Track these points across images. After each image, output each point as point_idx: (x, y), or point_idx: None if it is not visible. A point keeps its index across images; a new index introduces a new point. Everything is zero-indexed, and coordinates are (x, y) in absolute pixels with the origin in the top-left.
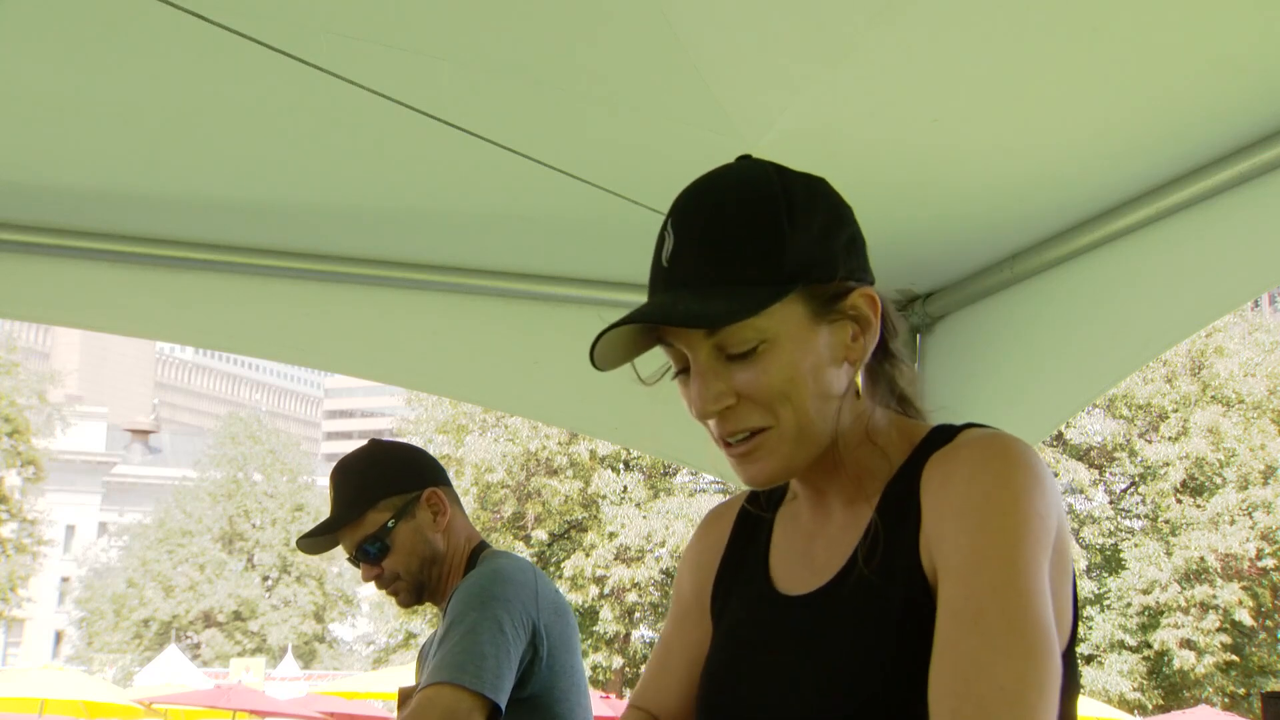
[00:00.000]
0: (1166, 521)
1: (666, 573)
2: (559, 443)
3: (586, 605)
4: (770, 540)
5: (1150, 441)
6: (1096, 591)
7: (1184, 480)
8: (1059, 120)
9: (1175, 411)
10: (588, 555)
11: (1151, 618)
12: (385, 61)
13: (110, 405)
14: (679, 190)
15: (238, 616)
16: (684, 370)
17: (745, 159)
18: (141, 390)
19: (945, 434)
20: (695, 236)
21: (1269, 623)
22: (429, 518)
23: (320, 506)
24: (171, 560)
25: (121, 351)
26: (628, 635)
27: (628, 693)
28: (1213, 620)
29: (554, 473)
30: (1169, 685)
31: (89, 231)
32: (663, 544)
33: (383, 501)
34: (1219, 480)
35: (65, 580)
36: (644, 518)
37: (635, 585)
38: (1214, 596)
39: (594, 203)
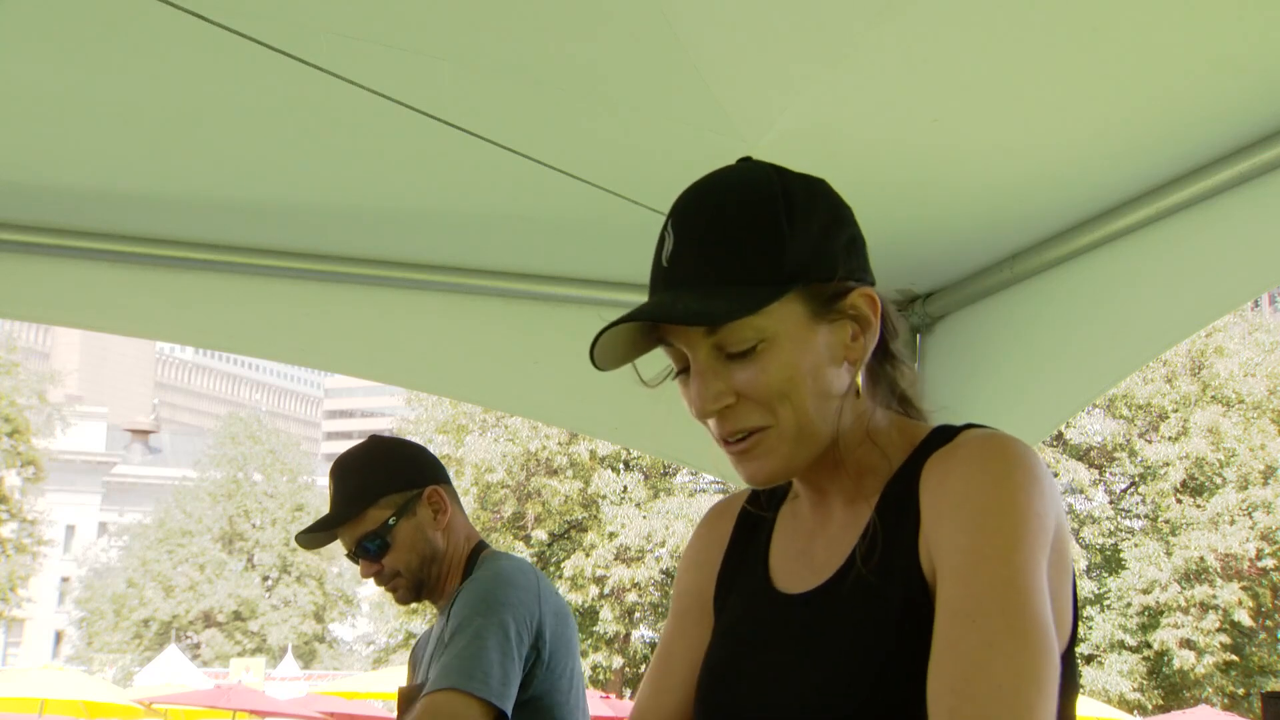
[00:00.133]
0: (1166, 521)
1: (666, 573)
2: (559, 443)
3: (586, 605)
4: (771, 539)
5: (1150, 441)
6: (1096, 591)
7: (1184, 480)
8: (1059, 120)
9: (1175, 411)
10: (588, 555)
11: (1151, 618)
12: (385, 61)
13: (110, 405)
14: (679, 190)
15: (238, 616)
16: (684, 370)
17: (746, 161)
18: (141, 390)
19: (945, 434)
20: (695, 236)
21: (1269, 623)
22: (430, 516)
23: (321, 507)
24: (171, 560)
25: (121, 351)
26: (628, 635)
27: (628, 692)
28: (1213, 620)
29: (554, 473)
30: (1169, 685)
31: (89, 231)
32: (663, 544)
33: (384, 498)
34: (1219, 480)
35: (65, 580)
36: (644, 518)
37: (635, 585)
38: (1214, 596)
39: (594, 203)
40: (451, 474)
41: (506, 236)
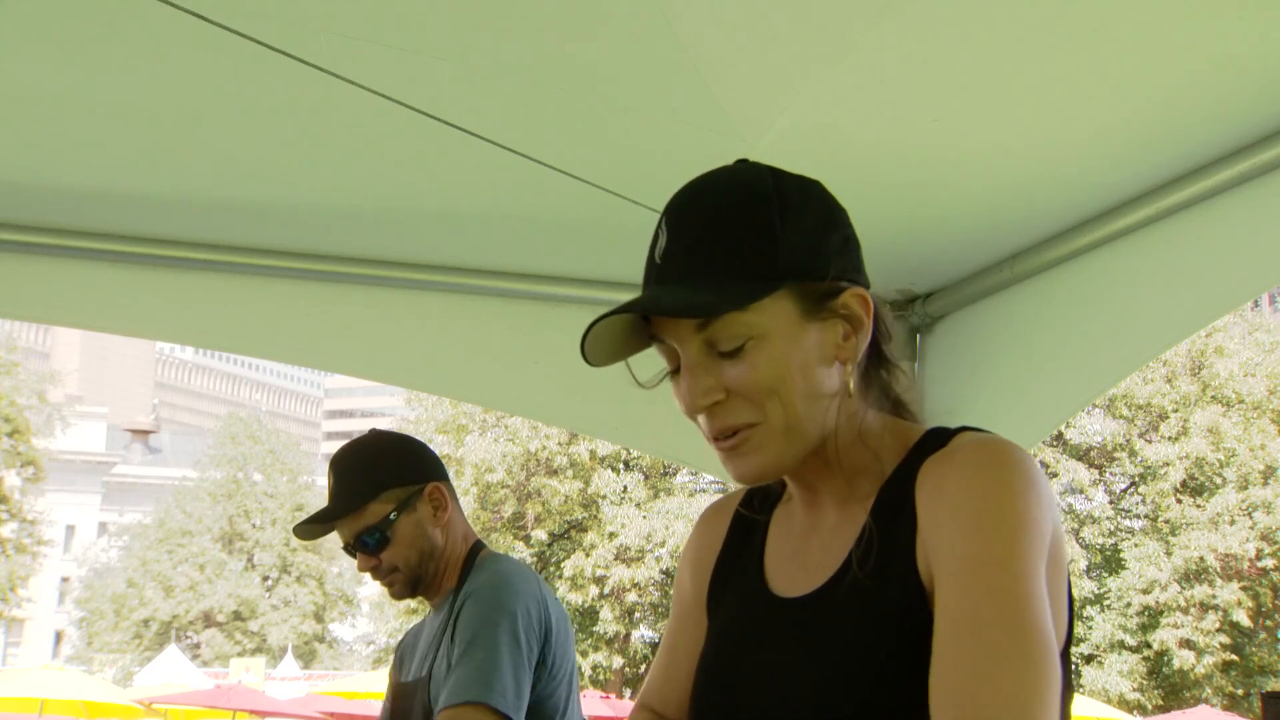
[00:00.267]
0: (1166, 521)
1: (666, 573)
2: (559, 443)
3: (586, 605)
4: (765, 540)
5: (1150, 441)
6: (1096, 591)
7: (1184, 480)
8: (1059, 120)
9: (1175, 411)
10: (588, 555)
11: (1151, 618)
12: (385, 61)
13: (110, 405)
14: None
15: (238, 616)
16: (677, 370)
17: (742, 162)
18: (141, 390)
19: (939, 437)
20: (688, 234)
21: (1269, 623)
22: (430, 512)
23: (320, 506)
24: (171, 560)
25: (121, 351)
26: (628, 635)
27: (628, 692)
28: (1212, 620)
29: (554, 473)
30: (1169, 685)
31: (89, 231)
32: (663, 544)
33: (385, 493)
34: (1219, 480)
35: (65, 580)
36: (644, 518)
37: (635, 585)
38: (1214, 596)
39: (594, 203)
40: (451, 474)
41: (506, 236)
